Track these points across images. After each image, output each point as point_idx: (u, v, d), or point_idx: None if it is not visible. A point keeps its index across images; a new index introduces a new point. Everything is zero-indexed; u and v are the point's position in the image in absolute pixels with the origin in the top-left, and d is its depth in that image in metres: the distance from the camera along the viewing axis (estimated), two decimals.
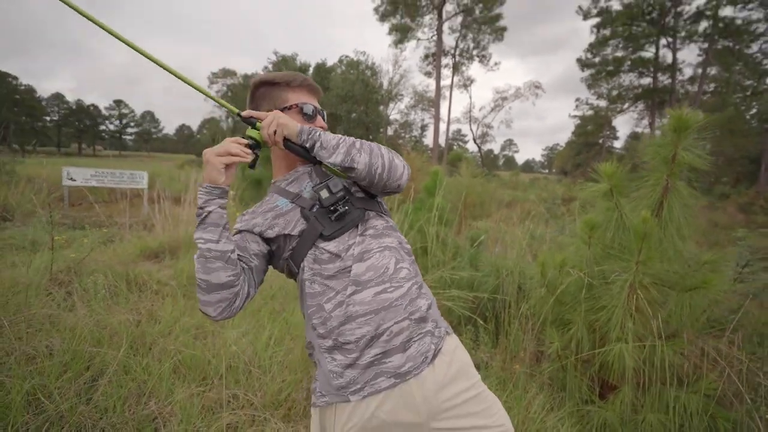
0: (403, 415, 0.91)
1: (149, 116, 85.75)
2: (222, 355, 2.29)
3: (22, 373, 1.91)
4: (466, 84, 42.02)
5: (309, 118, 1.11)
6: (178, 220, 4.89)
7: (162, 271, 3.58)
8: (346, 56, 46.33)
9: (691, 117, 2.32)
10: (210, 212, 0.95)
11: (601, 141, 47.75)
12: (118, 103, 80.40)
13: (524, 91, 43.25)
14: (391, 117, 49.10)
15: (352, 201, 1.05)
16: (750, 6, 26.93)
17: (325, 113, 1.16)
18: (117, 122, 79.98)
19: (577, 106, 43.96)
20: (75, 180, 6.36)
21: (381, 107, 44.11)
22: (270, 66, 46.47)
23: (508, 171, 49.96)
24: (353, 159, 0.98)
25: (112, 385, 1.98)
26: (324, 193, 1.02)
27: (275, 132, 1.02)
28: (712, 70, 31.81)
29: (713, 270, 2.36)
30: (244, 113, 1.08)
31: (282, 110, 1.10)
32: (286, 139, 1.04)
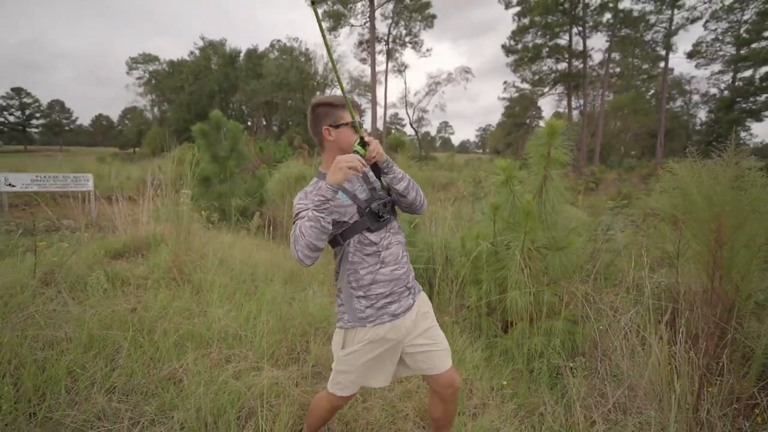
0: (392, 335, 1.65)
1: (58, 106, 76.59)
2: (214, 327, 2.83)
3: (55, 354, 2.33)
4: (401, 70, 42.86)
5: (356, 131, 1.59)
6: (137, 221, 5.12)
7: (137, 267, 3.92)
8: (278, 41, 45.05)
9: (559, 124, 3.17)
10: (331, 202, 1.43)
11: (528, 121, 51.16)
12: (18, 91, 70.79)
13: (456, 76, 45.09)
14: None
15: (390, 210, 1.65)
16: None
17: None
18: (18, 113, 70.84)
19: (505, 89, 46.65)
20: (14, 186, 6.18)
21: (318, 93, 43.71)
22: (197, 51, 43.93)
23: (445, 153, 52.04)
24: (408, 191, 1.63)
25: (130, 358, 2.46)
26: (379, 207, 1.59)
27: (374, 156, 1.55)
28: (617, 56, 35.41)
29: (577, 234, 3.29)
30: (366, 137, 1.53)
31: (338, 126, 1.59)
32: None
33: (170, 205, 4.35)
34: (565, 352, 2.83)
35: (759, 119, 36.15)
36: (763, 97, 35.68)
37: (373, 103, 35.04)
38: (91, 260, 4.18)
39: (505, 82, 51.02)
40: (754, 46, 33.41)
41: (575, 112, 39.96)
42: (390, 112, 56.03)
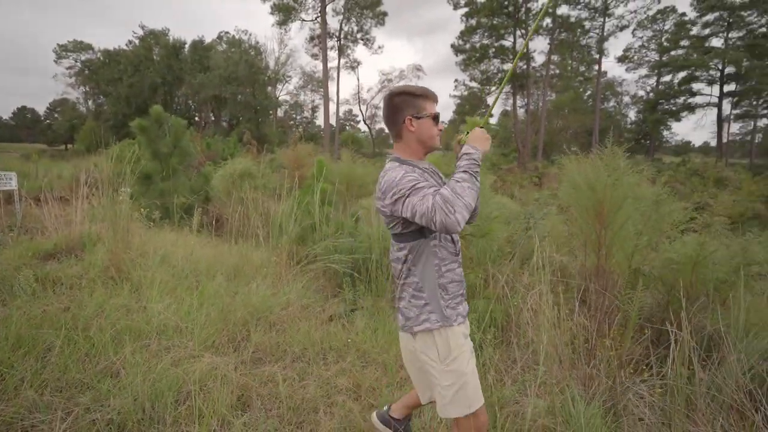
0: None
1: None
2: (154, 322, 2.88)
3: None
4: (353, 66, 42.88)
5: (436, 123, 1.63)
6: (70, 222, 4.93)
7: (70, 268, 3.83)
8: (226, 33, 43.43)
9: (478, 122, 3.49)
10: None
11: (478, 118, 52.84)
12: None
13: (408, 73, 45.77)
14: (281, 98, 47.92)
15: None
16: (579, 6, 32.41)
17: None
18: None
19: (455, 87, 48.01)
20: None
21: (269, 88, 42.69)
22: (136, 41, 41.34)
23: None
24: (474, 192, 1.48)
25: (63, 355, 2.47)
26: None
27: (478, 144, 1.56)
28: (556, 58, 37.61)
29: (500, 223, 3.66)
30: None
31: (419, 117, 1.59)
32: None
33: (108, 203, 4.25)
34: (485, 327, 3.17)
35: (678, 119, 40.01)
36: (681, 100, 39.52)
37: (326, 98, 34.85)
38: (17, 262, 4.02)
39: (456, 80, 52.55)
40: (672, 53, 36.89)
41: (520, 111, 41.94)
42: (343, 108, 55.79)
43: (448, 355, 1.57)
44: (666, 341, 2.70)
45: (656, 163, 31.96)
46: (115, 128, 34.28)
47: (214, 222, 5.99)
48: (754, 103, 36.82)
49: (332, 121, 37.78)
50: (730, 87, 36.40)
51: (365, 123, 49.42)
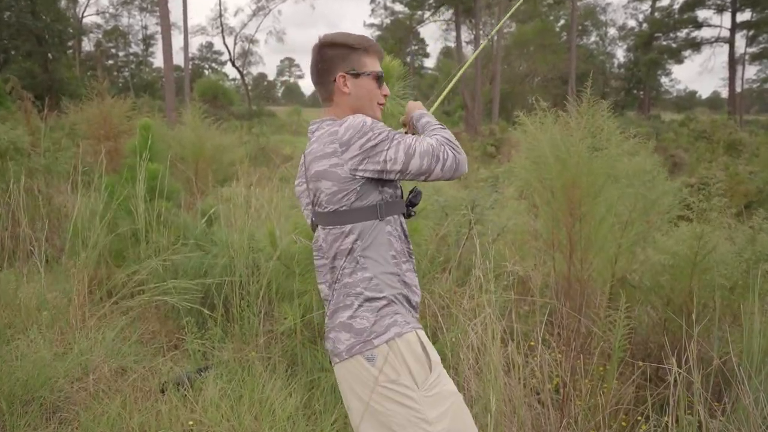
0: None
1: None
2: None
3: None
4: None
5: (380, 85, 1.87)
6: None
7: None
8: None
9: (394, 65, 3.49)
10: None
11: (408, 59, 54.26)
12: None
13: None
14: (87, 20, 44.59)
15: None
16: None
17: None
18: None
19: (373, 11, 48.59)
20: None
21: (63, 2, 39.55)
22: None
23: (290, 106, 51.93)
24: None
25: None
26: (417, 193, 1.91)
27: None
28: None
29: (427, 218, 3.71)
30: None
31: (359, 75, 1.82)
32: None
33: None
34: None
35: (679, 61, 44.67)
36: (683, 33, 44.04)
37: (165, 25, 32.96)
38: None
39: (373, 1, 53.07)
40: None
41: (468, 48, 43.78)
42: (197, 40, 53.84)
43: (429, 374, 1.67)
44: (666, 373, 2.93)
45: (653, 122, 35.45)
46: None
47: None
48: None
49: (178, 60, 36.00)
50: (745, 16, 40.99)
51: (233, 64, 47.91)
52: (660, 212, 3.38)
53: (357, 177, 1.69)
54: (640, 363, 3.13)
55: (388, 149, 1.67)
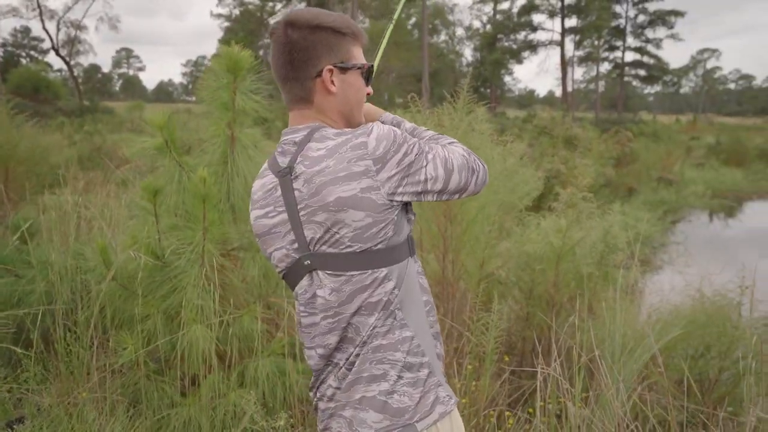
0: None
1: None
2: None
3: None
4: None
5: (367, 82, 1.51)
6: None
7: None
8: None
9: (244, 57, 3.18)
10: None
11: (261, 53, 52.95)
12: None
13: None
14: None
15: None
16: None
17: None
18: None
19: (219, 1, 46.80)
20: None
21: None
22: None
23: (130, 102, 48.43)
24: None
25: None
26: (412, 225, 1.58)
27: None
28: None
29: None
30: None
31: (347, 69, 1.42)
32: None
33: None
34: (276, 402, 2.93)
35: (519, 60, 48.55)
36: (522, 36, 47.97)
37: None
38: None
39: None
40: None
41: None
42: (9, 24, 48.39)
43: None
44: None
45: (500, 119, 37.95)
46: None
47: None
48: (596, 43, 47.41)
49: None
50: (572, 22, 45.98)
51: (59, 54, 43.54)
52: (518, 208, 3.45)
53: (394, 203, 1.31)
54: (506, 358, 3.18)
55: (426, 165, 1.32)
